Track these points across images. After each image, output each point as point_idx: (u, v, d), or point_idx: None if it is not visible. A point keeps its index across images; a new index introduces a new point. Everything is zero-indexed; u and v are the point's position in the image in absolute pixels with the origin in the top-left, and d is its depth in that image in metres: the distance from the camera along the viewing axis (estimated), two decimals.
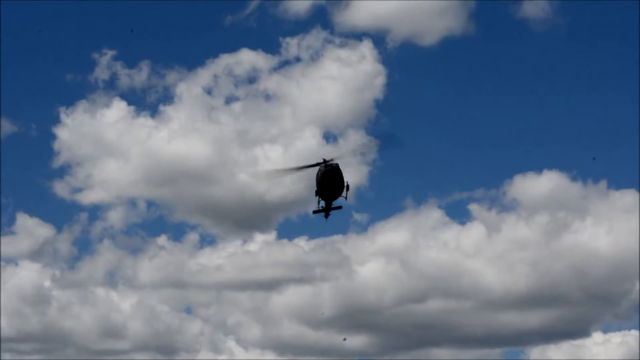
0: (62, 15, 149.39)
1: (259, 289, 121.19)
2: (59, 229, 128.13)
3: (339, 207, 73.17)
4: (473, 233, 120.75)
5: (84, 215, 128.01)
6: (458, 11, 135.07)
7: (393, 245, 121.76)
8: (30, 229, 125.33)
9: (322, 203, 68.41)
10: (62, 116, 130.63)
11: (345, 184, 72.79)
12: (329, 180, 67.53)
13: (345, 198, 74.60)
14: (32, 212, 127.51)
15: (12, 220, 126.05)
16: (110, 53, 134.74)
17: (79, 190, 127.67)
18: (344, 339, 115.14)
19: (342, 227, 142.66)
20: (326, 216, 74.24)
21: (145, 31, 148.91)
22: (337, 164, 67.57)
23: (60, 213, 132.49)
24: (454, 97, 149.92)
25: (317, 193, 68.35)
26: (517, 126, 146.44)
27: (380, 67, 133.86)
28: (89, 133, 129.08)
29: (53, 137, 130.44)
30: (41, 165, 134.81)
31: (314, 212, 73.61)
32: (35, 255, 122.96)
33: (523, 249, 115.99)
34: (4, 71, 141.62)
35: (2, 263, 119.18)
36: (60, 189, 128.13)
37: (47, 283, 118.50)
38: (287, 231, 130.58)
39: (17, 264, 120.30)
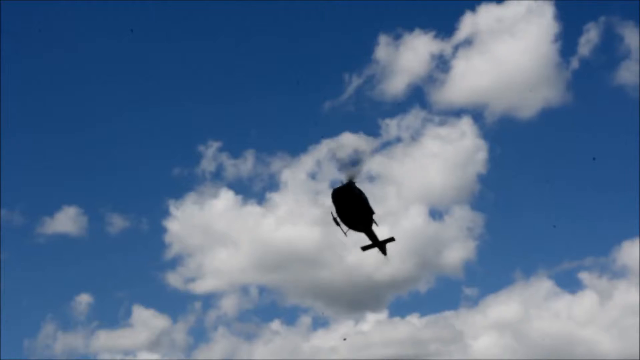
0: (169, 112, 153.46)
1: None
2: (174, 319, 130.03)
3: (391, 239, 72.17)
4: (585, 301, 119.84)
5: (197, 305, 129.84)
6: (554, 82, 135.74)
7: (505, 317, 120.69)
8: (147, 321, 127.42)
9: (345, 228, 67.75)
10: (172, 209, 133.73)
11: (389, 238, 72.16)
12: (341, 203, 66.09)
13: (384, 253, 74.80)
14: (147, 304, 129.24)
15: (128, 313, 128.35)
16: (215, 145, 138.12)
17: (191, 280, 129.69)
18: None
19: (453, 302, 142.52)
20: (382, 252, 73.00)
21: (250, 122, 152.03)
22: (348, 183, 65.85)
23: (174, 303, 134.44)
24: (556, 167, 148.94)
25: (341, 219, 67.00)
26: (620, 193, 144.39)
27: (480, 142, 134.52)
28: (198, 224, 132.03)
29: (164, 230, 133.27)
30: (154, 257, 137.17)
31: (363, 248, 72.88)
32: (153, 346, 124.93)
33: (637, 315, 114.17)
34: (115, 169, 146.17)
35: (121, 355, 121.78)
36: (174, 279, 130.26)
37: None
38: (399, 309, 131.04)
39: (135, 356, 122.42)
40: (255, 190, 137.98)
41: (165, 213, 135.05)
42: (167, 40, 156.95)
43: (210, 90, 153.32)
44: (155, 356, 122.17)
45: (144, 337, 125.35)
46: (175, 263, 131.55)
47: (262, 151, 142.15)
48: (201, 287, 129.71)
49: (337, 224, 67.86)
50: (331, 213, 67.09)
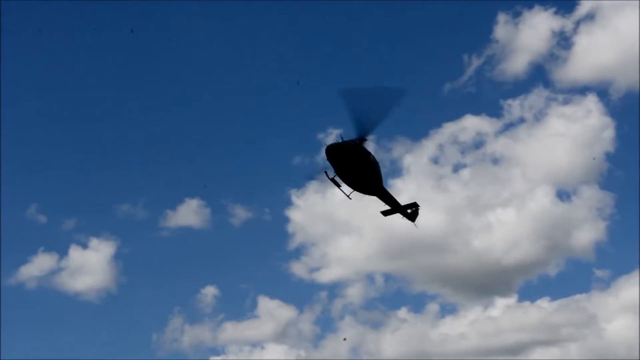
0: (288, 101, 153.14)
1: (505, 354, 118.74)
2: (300, 309, 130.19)
3: (414, 205, 68.20)
4: None
5: (323, 294, 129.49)
6: None
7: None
8: (273, 312, 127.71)
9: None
10: (294, 198, 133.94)
11: (411, 204, 68.47)
12: (337, 161, 62.00)
13: (411, 220, 70.00)
14: (272, 295, 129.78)
15: (254, 305, 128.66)
16: (335, 132, 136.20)
17: (316, 269, 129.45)
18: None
19: (584, 285, 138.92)
20: (407, 218, 68.88)
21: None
22: (346, 141, 61.48)
23: (300, 293, 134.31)
24: None
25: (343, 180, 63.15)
26: None
27: (607, 120, 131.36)
28: (321, 212, 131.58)
29: (287, 220, 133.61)
30: (277, 248, 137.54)
31: (383, 213, 69.18)
32: (280, 336, 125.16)
33: None
34: (236, 160, 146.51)
35: (248, 347, 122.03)
36: (298, 269, 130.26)
37: None
38: (528, 293, 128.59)
39: (263, 348, 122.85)
40: None
41: (288, 203, 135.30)
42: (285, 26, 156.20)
43: (329, 77, 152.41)
44: (283, 347, 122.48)
45: (271, 328, 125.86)
46: (299, 253, 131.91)
47: (382, 137, 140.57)
48: (326, 276, 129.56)
49: (336, 185, 64.25)
50: (325, 172, 63.94)
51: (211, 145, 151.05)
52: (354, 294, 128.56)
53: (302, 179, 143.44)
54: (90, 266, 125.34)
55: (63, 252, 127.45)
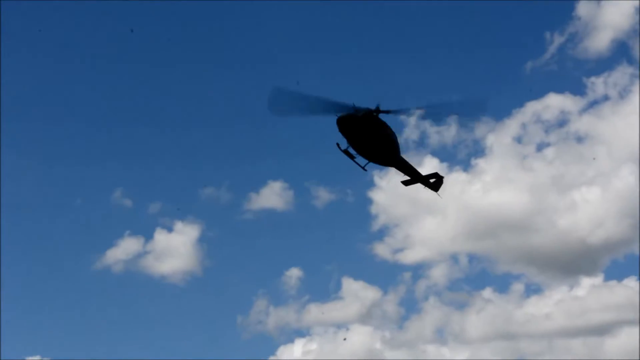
0: (369, 82, 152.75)
1: (591, 334, 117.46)
2: (385, 290, 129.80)
3: (435, 175, 66.71)
4: None
5: (407, 275, 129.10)
6: None
7: None
8: (357, 293, 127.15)
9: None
10: (377, 179, 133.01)
11: (433, 174, 67.09)
12: (350, 133, 60.34)
13: (434, 190, 68.66)
14: (356, 276, 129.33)
15: (338, 286, 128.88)
16: (417, 112, 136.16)
17: (399, 250, 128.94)
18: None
19: None
20: (430, 188, 67.45)
21: (451, 87, 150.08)
22: (363, 113, 59.81)
23: (383, 274, 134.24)
24: None
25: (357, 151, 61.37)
26: None
27: None
28: (404, 193, 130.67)
29: (369, 201, 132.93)
30: (360, 229, 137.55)
31: (404, 183, 67.80)
32: (364, 318, 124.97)
33: None
34: (317, 142, 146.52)
35: (333, 328, 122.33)
36: (382, 250, 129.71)
37: (378, 345, 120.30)
38: (615, 272, 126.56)
39: (347, 329, 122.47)
40: (460, 157, 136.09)
41: (370, 184, 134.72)
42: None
43: (409, 56, 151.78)
44: (368, 328, 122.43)
45: (355, 309, 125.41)
46: (382, 234, 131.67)
47: (465, 116, 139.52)
48: (410, 257, 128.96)
49: (350, 157, 62.77)
50: (337, 145, 62.29)
51: (292, 128, 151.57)
52: (438, 274, 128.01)
53: None
54: (175, 249, 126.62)
55: (149, 236, 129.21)
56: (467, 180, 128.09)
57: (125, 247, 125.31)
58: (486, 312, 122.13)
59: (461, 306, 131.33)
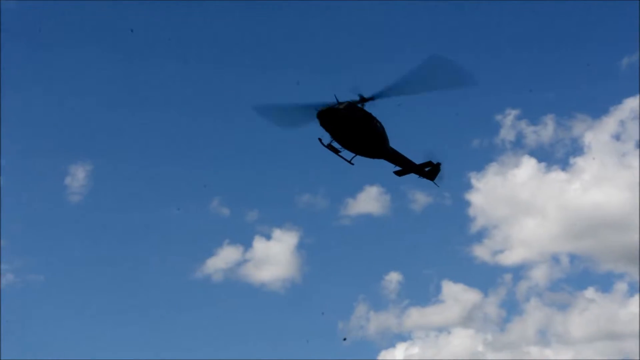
0: None
1: None
2: (485, 292, 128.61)
3: (429, 164, 64.53)
4: None
5: (507, 277, 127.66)
6: None
7: None
8: (457, 296, 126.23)
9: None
10: (474, 181, 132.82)
11: (427, 162, 64.46)
12: (332, 127, 57.65)
13: (430, 179, 66.03)
14: (456, 279, 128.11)
15: (438, 289, 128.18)
16: (513, 113, 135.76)
17: (499, 252, 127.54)
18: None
19: None
20: (429, 177, 65.19)
21: (550, 85, 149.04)
22: (345, 105, 57.16)
23: (483, 277, 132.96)
24: None
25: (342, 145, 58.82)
26: None
27: None
28: (502, 195, 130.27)
29: (467, 203, 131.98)
30: (459, 232, 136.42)
31: (396, 173, 65.09)
32: (466, 321, 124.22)
33: None
34: (413, 146, 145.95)
35: (435, 332, 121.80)
36: (481, 252, 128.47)
37: (480, 348, 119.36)
38: None
39: (449, 332, 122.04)
40: (558, 156, 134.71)
41: (467, 186, 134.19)
42: None
43: (499, 53, 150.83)
44: (469, 331, 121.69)
45: (456, 312, 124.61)
46: (481, 236, 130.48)
47: (561, 115, 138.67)
48: (510, 258, 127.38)
49: (335, 151, 60.36)
50: (319, 140, 59.96)
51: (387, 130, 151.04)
52: (539, 275, 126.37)
53: (481, 161, 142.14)
54: (274, 257, 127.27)
55: (247, 244, 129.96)
56: (566, 180, 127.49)
57: (225, 256, 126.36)
58: (589, 312, 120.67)
59: (563, 307, 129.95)
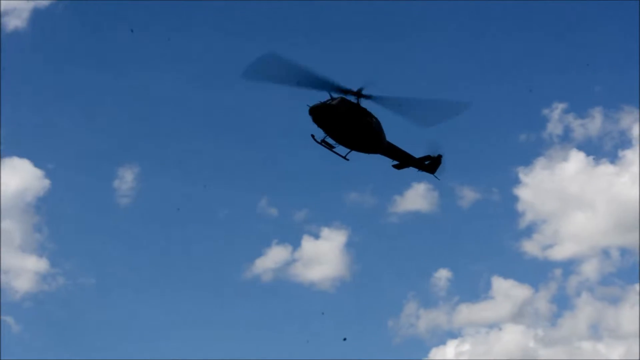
0: (514, 81, 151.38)
1: None
2: (535, 288, 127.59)
3: (428, 158, 63.41)
4: None
5: (557, 272, 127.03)
6: None
7: None
8: (507, 292, 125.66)
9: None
10: (521, 176, 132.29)
11: (429, 158, 63.57)
12: (326, 123, 57.22)
13: (430, 172, 65.23)
14: (506, 275, 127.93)
15: (488, 285, 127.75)
16: (560, 106, 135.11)
17: (549, 246, 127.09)
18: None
19: None
20: (429, 170, 64.27)
21: (596, 79, 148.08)
22: (339, 101, 56.37)
23: (533, 272, 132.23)
24: None
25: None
26: None
27: None
28: (550, 189, 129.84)
29: (515, 198, 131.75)
30: (507, 227, 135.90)
31: (395, 167, 64.29)
32: (516, 317, 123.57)
33: None
34: (461, 142, 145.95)
35: (485, 329, 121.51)
36: (530, 248, 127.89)
37: (532, 344, 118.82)
38: None
39: (500, 328, 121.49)
40: (606, 149, 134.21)
41: (515, 181, 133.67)
42: None
43: (555, 47, 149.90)
44: (520, 327, 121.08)
45: (506, 308, 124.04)
46: (530, 231, 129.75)
47: (609, 107, 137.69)
48: (560, 253, 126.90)
49: (329, 147, 59.98)
50: (312, 136, 59.49)
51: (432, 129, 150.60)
52: (590, 270, 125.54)
53: (529, 155, 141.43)
54: (323, 256, 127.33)
55: (296, 244, 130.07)
56: (615, 173, 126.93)
57: (274, 256, 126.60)
58: None
59: (615, 301, 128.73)
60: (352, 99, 60.19)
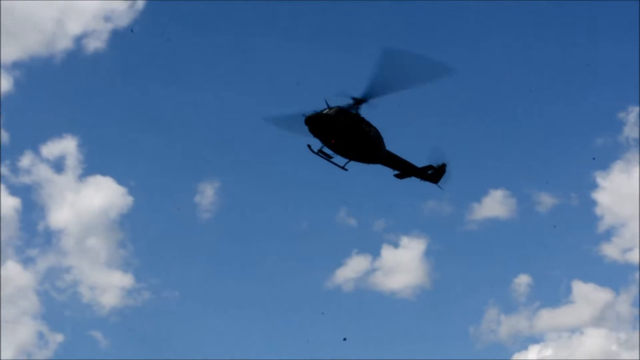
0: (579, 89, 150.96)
1: None
2: (617, 291, 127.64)
3: (429, 168, 62.10)
4: None
5: (638, 275, 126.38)
6: None
7: None
8: (588, 296, 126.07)
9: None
10: (599, 180, 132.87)
11: (431, 168, 62.32)
12: (323, 133, 55.50)
13: (433, 182, 64.20)
14: (586, 279, 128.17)
15: (568, 290, 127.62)
16: (636, 110, 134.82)
17: (629, 250, 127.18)
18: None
19: None
20: (432, 180, 62.72)
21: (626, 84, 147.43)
22: (336, 110, 54.98)
23: (614, 275, 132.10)
24: None
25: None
26: None
27: None
28: (628, 192, 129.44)
29: (593, 202, 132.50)
30: (586, 231, 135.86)
31: (396, 176, 62.75)
32: (598, 321, 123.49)
33: None
34: (535, 148, 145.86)
35: (567, 333, 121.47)
36: (610, 251, 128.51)
37: (614, 347, 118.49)
38: None
39: (581, 332, 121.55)
40: None
41: (593, 185, 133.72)
42: None
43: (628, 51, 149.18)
44: (602, 331, 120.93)
45: (588, 312, 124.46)
46: (609, 234, 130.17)
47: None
48: None
49: (327, 158, 58.33)
50: (308, 146, 57.77)
51: (510, 135, 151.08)
52: None
53: (606, 159, 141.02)
54: (403, 265, 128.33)
55: (376, 253, 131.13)
56: None
57: (354, 266, 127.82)
58: None
59: None
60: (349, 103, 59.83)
